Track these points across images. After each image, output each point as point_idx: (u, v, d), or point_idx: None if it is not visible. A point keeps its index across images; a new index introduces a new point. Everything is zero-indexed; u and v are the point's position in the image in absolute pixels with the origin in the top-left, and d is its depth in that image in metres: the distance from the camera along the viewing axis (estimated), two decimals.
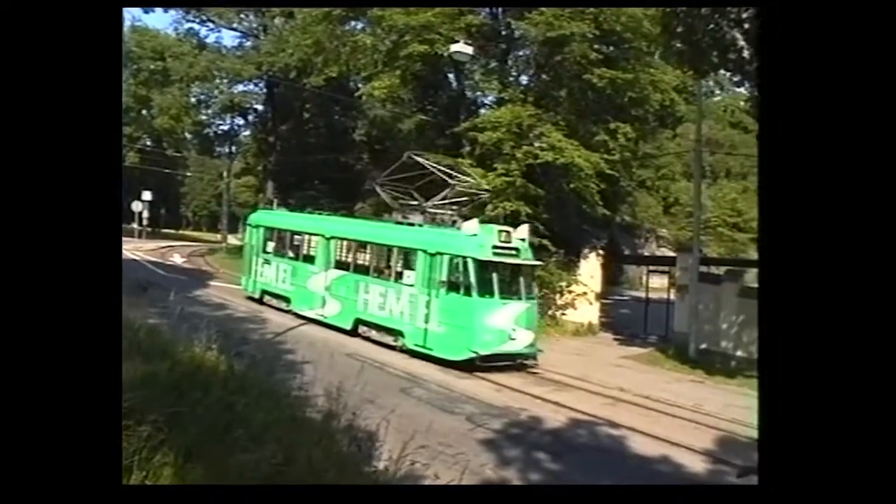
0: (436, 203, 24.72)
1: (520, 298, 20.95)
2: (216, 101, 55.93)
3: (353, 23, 36.16)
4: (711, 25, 20.53)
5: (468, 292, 20.42)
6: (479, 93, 34.74)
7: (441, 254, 21.08)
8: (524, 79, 33.37)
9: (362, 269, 24.52)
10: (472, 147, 29.75)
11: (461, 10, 30.04)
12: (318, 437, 8.49)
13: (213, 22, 52.09)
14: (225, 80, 53.27)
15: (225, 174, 69.06)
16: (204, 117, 60.06)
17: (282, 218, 31.31)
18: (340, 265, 25.54)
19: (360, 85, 37.17)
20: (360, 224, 27.69)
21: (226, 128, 64.30)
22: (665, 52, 25.96)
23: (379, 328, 23.17)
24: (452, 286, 20.76)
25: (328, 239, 26.05)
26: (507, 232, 21.44)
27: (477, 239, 20.83)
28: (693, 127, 31.45)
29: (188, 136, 69.14)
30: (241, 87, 54.79)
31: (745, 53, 20.91)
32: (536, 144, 28.14)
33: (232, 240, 67.51)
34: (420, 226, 23.78)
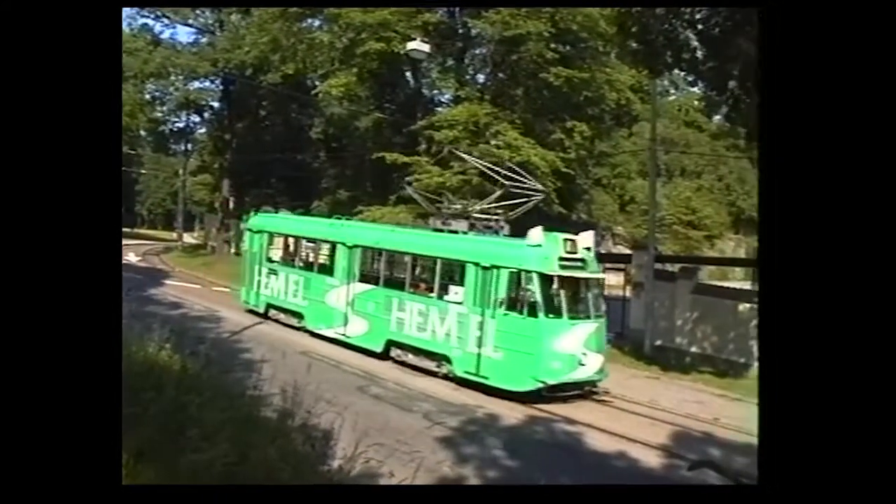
0: (486, 207, 22.09)
1: (588, 317, 18.23)
2: (171, 98, 55.23)
3: (309, 20, 36.02)
4: (666, 25, 20.71)
5: (532, 312, 17.52)
6: (436, 91, 34.86)
7: (498, 267, 18.18)
8: (481, 77, 33.53)
9: (395, 283, 21.38)
10: (428, 145, 29.76)
11: (418, 8, 30.05)
12: (273, 436, 8.45)
13: (167, 18, 51.57)
14: (180, 77, 52.60)
15: (180, 172, 68.34)
16: (159, 114, 59.19)
17: (290, 223, 27.67)
18: (367, 278, 22.25)
19: (317, 83, 36.95)
20: (391, 232, 23.35)
21: (181, 125, 63.57)
22: (621, 51, 26.24)
23: (418, 352, 20.20)
24: (513, 305, 17.83)
25: (350, 248, 22.64)
26: (573, 241, 18.52)
27: (541, 250, 17.93)
28: (648, 126, 31.66)
29: (143, 133, 68.27)
30: (196, 84, 54.19)
31: (699, 54, 21.14)
32: (493, 143, 28.23)
33: (188, 238, 66.95)
34: (464, 233, 20.91)
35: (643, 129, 37.35)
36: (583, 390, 18.13)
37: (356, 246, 22.62)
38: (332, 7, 31.05)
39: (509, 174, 22.25)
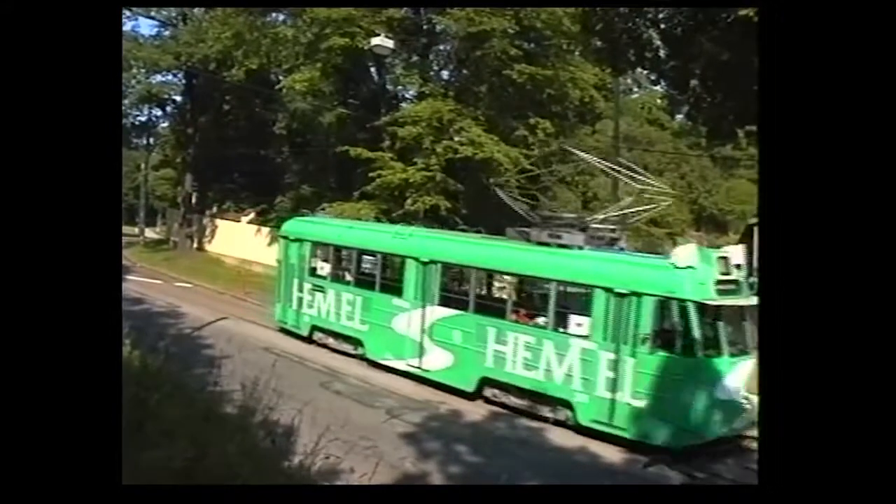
0: (611, 215, 18.69)
1: (747, 353, 14.59)
2: (133, 92, 54.47)
3: (273, 14, 35.82)
4: (629, 24, 20.86)
5: (689, 350, 14.27)
6: (400, 87, 34.72)
7: (638, 294, 14.68)
8: (445, 74, 33.46)
9: (491, 309, 17.68)
10: (392, 141, 29.72)
11: None
12: (233, 432, 8.42)
13: (129, 10, 51.05)
14: (142, 70, 52.06)
15: (142, 166, 67.57)
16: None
17: (339, 231, 22.91)
18: (449, 301, 18.41)
19: (281, 77, 36.74)
20: (483, 246, 19.15)
21: (143, 119, 62.87)
22: (584, 49, 26.35)
23: (524, 393, 16.52)
24: (660, 341, 14.50)
25: (426, 264, 18.69)
26: (726, 259, 15.10)
27: (695, 273, 14.48)
28: (612, 123, 31.88)
29: None
30: (159, 78, 53.56)
31: (661, 53, 21.32)
32: (456, 139, 28.25)
33: (150, 233, 66.27)
34: (579, 248, 17.04)
35: (607, 126, 37.55)
36: (738, 444, 14.73)
37: (433, 262, 18.69)
38: (322, 7, 30.85)
39: (633, 174, 18.85)
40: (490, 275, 19.17)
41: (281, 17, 35.78)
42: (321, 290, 21.89)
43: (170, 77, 53.49)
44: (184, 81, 52.72)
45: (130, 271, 39.02)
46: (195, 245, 47.54)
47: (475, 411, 16.35)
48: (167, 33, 51.51)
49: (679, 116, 34.35)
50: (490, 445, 14.28)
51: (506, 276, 18.28)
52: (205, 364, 13.47)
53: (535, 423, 15.76)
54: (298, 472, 8.22)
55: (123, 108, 58.17)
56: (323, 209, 27.93)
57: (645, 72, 27.15)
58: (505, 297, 18.30)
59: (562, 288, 16.63)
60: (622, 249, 17.71)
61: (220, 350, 14.80)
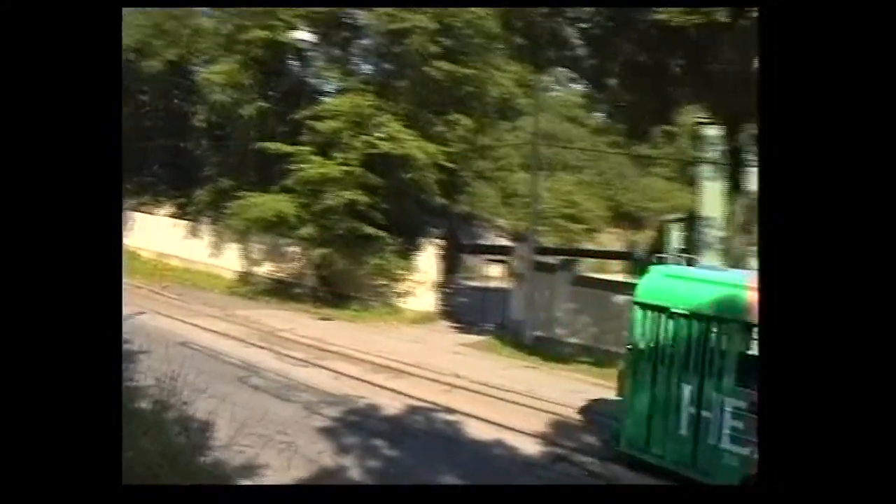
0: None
1: None
2: None
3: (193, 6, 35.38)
4: (550, 23, 21.18)
5: None
6: (320, 81, 34.54)
7: None
8: (366, 68, 33.38)
9: None
10: (311, 135, 29.58)
11: None
12: (148, 428, 8.40)
13: None
14: None
15: None
16: None
17: None
18: None
19: (200, 69, 36.24)
20: None
21: None
22: (506, 47, 26.57)
23: None
24: None
25: None
26: None
27: None
28: (532, 120, 32.20)
29: None
30: None
31: (580, 51, 21.69)
32: (376, 134, 28.21)
33: None
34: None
35: (527, 123, 37.86)
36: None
37: None
38: (315, 7, 30.48)
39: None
40: None
41: (201, 8, 35.36)
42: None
43: None
44: None
45: None
46: None
47: (392, 405, 16.42)
48: None
49: (598, 114, 34.84)
50: (408, 439, 14.39)
51: None
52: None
53: (452, 418, 15.89)
54: (215, 467, 8.25)
55: None
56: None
57: (564, 70, 27.55)
58: None
59: None
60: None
61: (136, 345, 14.64)
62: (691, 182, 32.89)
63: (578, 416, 16.50)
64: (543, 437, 14.94)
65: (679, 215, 33.46)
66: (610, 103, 24.52)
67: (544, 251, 31.00)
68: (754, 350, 11.61)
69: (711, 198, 25.19)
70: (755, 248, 21.98)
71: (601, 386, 18.02)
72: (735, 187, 21.40)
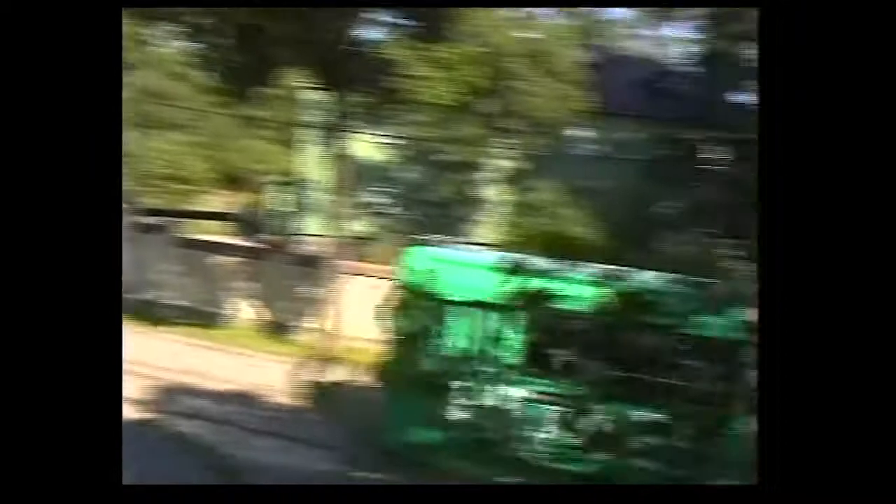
0: None
1: None
2: None
3: None
4: None
5: None
6: None
7: None
8: None
9: None
10: None
11: None
12: None
13: None
14: None
15: None
16: None
17: None
18: None
19: None
20: None
21: None
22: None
23: None
24: None
25: None
26: None
27: None
28: (139, 75, 31.30)
29: None
30: None
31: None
32: None
33: None
34: None
35: (135, 78, 36.69)
36: None
37: None
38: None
39: None
40: None
41: None
42: None
43: None
44: None
45: None
46: None
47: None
48: None
49: (207, 73, 34.55)
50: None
51: None
52: None
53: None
54: None
55: None
56: None
57: (173, 25, 27.06)
58: None
59: None
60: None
61: None
62: (295, 145, 33.59)
63: (181, 380, 16.48)
64: (148, 403, 14.73)
65: (282, 178, 34.05)
66: (221, 62, 24.51)
67: (149, 213, 30.33)
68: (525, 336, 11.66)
69: (313, 161, 26.00)
70: (355, 212, 23.12)
71: (208, 348, 18.05)
72: (337, 152, 22.30)
